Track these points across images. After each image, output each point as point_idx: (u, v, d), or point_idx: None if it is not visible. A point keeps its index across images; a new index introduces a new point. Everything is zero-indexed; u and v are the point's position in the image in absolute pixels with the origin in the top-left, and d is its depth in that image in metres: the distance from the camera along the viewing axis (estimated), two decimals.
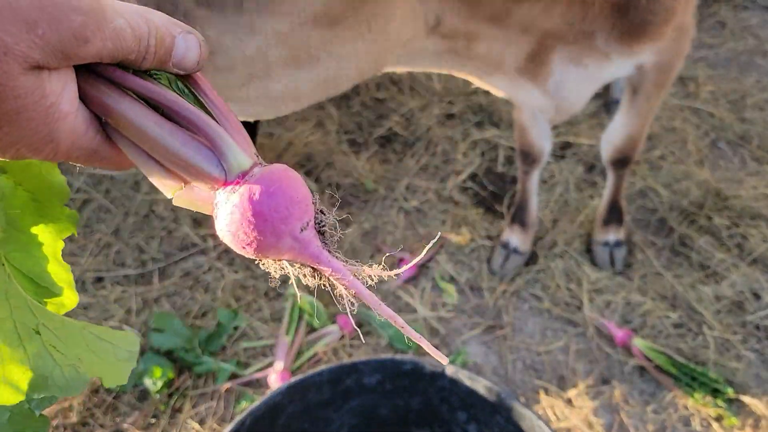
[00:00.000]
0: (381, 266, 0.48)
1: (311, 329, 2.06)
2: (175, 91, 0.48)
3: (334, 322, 2.06)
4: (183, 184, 0.47)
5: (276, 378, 1.86)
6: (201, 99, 0.49)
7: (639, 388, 1.92)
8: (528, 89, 1.60)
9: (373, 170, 2.63)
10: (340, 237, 0.48)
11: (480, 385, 1.36)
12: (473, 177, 2.59)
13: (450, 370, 1.39)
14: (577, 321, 2.08)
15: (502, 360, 2.00)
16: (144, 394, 1.91)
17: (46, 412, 0.58)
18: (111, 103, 0.45)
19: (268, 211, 0.44)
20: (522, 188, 2.26)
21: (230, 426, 1.26)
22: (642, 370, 1.96)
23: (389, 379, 1.43)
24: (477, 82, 1.63)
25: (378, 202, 2.51)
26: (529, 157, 2.18)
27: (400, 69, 1.34)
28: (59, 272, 0.57)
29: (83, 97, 0.46)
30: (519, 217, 2.27)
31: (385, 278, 0.48)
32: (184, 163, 0.45)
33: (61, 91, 0.42)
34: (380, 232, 2.40)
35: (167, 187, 0.47)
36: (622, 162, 2.07)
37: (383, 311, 0.47)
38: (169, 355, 1.97)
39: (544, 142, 2.14)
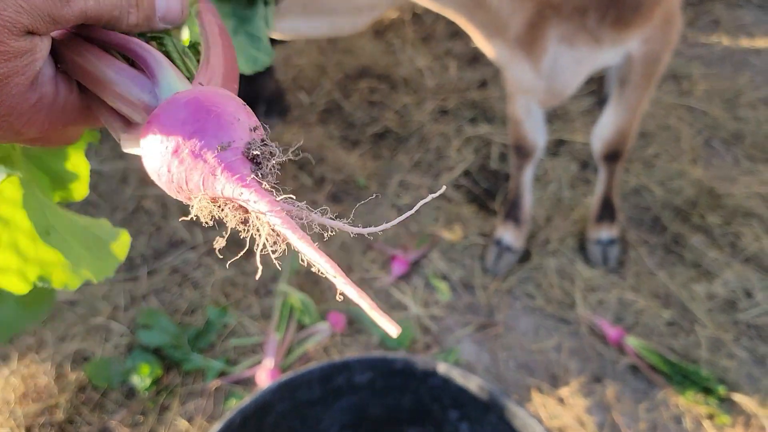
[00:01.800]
0: (344, 221, 0.38)
1: (301, 327, 2.04)
2: (178, 52, 0.47)
3: (324, 319, 2.04)
4: (129, 125, 0.44)
5: (265, 376, 1.84)
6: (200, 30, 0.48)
7: (631, 386, 1.91)
8: (522, 64, 1.62)
9: (365, 166, 2.60)
10: (277, 171, 0.39)
11: (472, 383, 1.35)
12: (466, 174, 2.57)
13: (442, 368, 1.37)
14: (569, 319, 2.07)
15: (494, 358, 1.98)
16: (131, 392, 1.88)
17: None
18: (61, 47, 0.45)
19: (176, 124, 0.38)
20: (515, 184, 2.24)
21: (219, 424, 1.24)
22: (634, 368, 1.95)
23: (380, 377, 1.41)
24: (479, 42, 1.63)
25: (370, 199, 2.49)
26: (522, 151, 2.16)
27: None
28: (79, 165, 0.60)
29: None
30: (512, 214, 2.25)
31: (335, 230, 0.38)
32: (119, 92, 0.43)
33: (46, 54, 0.43)
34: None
35: (115, 129, 0.45)
36: (613, 156, 2.06)
37: (328, 265, 0.36)
38: (157, 352, 1.94)
39: (537, 136, 2.13)
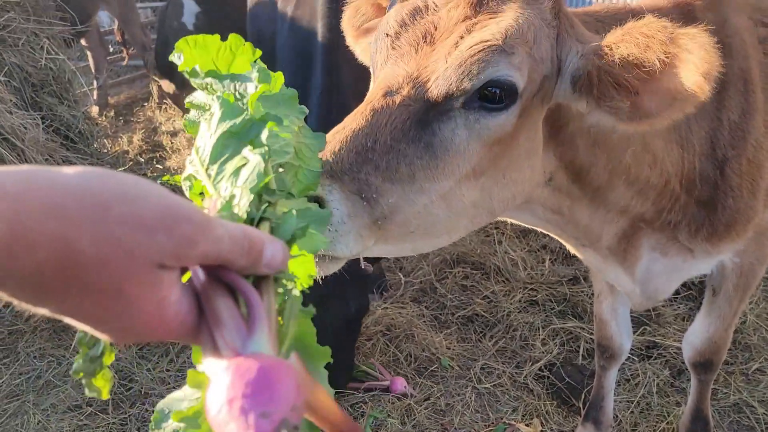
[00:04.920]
0: None
1: None
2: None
3: None
4: (217, 354, 0.55)
5: None
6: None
7: None
8: (617, 270, 1.67)
9: (450, 347, 2.68)
10: None
11: None
12: (551, 366, 2.55)
13: None
14: None
15: None
16: None
17: None
18: (197, 283, 0.59)
19: (241, 382, 0.50)
20: (598, 384, 2.20)
21: None
22: None
23: None
24: (572, 249, 1.71)
25: (452, 380, 2.53)
26: (606, 352, 2.15)
27: (510, 218, 1.50)
28: None
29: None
30: (593, 416, 2.18)
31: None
32: (222, 330, 0.55)
33: (172, 285, 0.54)
34: (450, 410, 2.38)
35: (205, 351, 0.57)
36: (704, 366, 1.99)
37: None
38: None
39: (623, 338, 2.13)
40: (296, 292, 0.66)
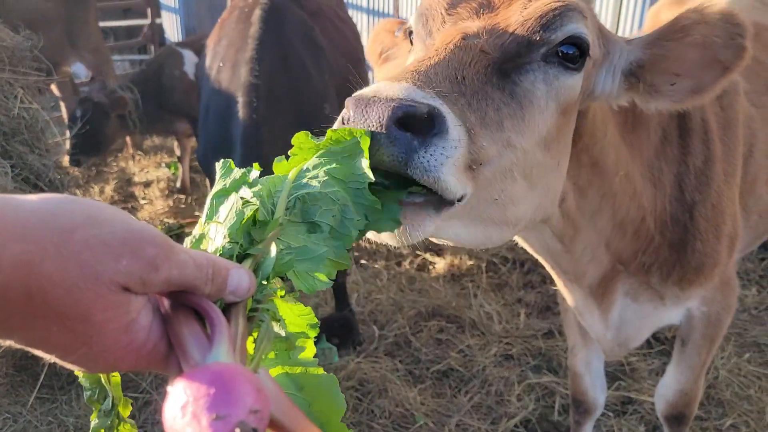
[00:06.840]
0: None
1: None
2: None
3: None
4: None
5: None
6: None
7: None
8: (593, 312, 1.70)
9: (425, 403, 2.63)
10: None
11: None
12: (526, 422, 2.51)
13: None
14: None
15: None
16: None
17: None
18: (166, 306, 0.58)
19: (194, 387, 0.48)
20: None
21: None
22: None
23: None
24: (560, 286, 1.75)
25: None
26: (581, 407, 2.13)
27: (523, 238, 1.50)
28: None
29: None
30: None
31: None
32: (184, 347, 0.55)
33: (141, 309, 0.54)
34: None
35: (172, 376, 0.56)
36: (677, 419, 1.98)
37: None
38: None
39: (597, 392, 2.12)
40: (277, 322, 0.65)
